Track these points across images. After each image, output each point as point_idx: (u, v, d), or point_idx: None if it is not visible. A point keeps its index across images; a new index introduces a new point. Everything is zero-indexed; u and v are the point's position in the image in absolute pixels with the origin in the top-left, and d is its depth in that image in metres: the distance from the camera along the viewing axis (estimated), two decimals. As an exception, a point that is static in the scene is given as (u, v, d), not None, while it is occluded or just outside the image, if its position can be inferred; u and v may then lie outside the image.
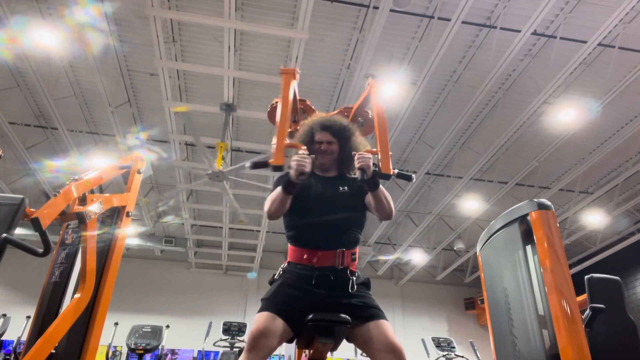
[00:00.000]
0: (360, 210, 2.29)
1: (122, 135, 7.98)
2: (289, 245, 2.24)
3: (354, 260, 2.16)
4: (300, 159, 2.01)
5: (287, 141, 2.20)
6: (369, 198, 2.21)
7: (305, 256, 2.13)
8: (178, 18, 6.09)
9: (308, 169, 2.01)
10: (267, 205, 2.17)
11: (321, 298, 2.04)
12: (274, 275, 2.21)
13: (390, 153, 2.21)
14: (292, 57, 6.30)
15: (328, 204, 2.22)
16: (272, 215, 2.16)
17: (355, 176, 2.35)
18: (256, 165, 2.16)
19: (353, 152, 2.11)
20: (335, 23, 6.39)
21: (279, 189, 2.12)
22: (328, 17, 6.28)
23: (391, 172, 2.13)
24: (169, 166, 8.78)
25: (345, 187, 2.31)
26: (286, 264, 2.21)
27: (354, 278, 2.10)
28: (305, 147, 2.15)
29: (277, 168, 2.07)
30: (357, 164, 2.07)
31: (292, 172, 2.01)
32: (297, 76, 2.67)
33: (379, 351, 1.95)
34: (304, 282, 2.08)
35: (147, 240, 12.16)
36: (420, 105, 7.66)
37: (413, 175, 2.25)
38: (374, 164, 2.08)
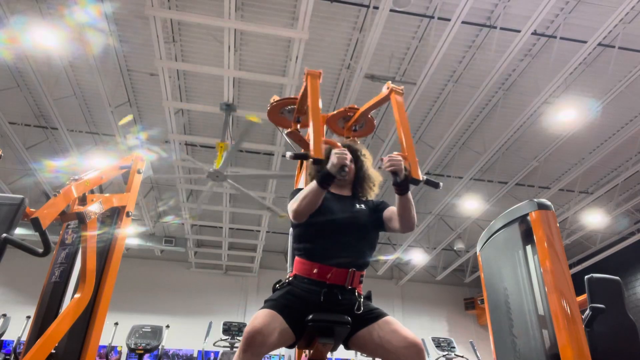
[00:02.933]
0: (375, 230, 2.30)
1: (122, 135, 7.98)
2: (297, 258, 2.19)
3: (361, 282, 2.15)
4: (342, 153, 1.99)
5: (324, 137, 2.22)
6: (388, 211, 2.24)
7: (315, 270, 2.08)
8: (178, 18, 6.09)
9: (349, 163, 1.99)
10: (294, 204, 2.12)
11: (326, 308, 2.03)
12: (277, 284, 2.17)
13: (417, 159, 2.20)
14: (292, 57, 6.30)
15: (344, 221, 2.21)
16: (300, 213, 2.10)
17: (372, 199, 2.41)
18: (297, 156, 2.17)
19: (381, 158, 2.09)
20: (335, 23, 6.39)
21: (313, 184, 2.06)
22: (328, 17, 6.28)
23: (420, 177, 2.11)
24: (169, 166, 8.79)
25: (362, 206, 2.33)
26: (292, 277, 2.15)
27: (361, 300, 2.08)
28: (342, 147, 2.13)
29: (317, 161, 2.06)
30: (387, 167, 2.02)
31: (333, 167, 1.98)
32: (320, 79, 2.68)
33: (397, 347, 1.90)
34: (310, 296, 2.04)
35: (147, 240, 12.16)
36: (420, 105, 7.66)
37: (440, 184, 2.23)
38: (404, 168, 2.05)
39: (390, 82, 2.66)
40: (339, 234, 2.18)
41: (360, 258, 2.17)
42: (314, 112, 2.35)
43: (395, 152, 2.10)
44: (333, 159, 1.99)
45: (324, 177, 2.02)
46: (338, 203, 2.29)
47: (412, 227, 2.17)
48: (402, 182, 2.02)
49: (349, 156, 2.00)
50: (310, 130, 2.22)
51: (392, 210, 2.29)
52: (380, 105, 2.81)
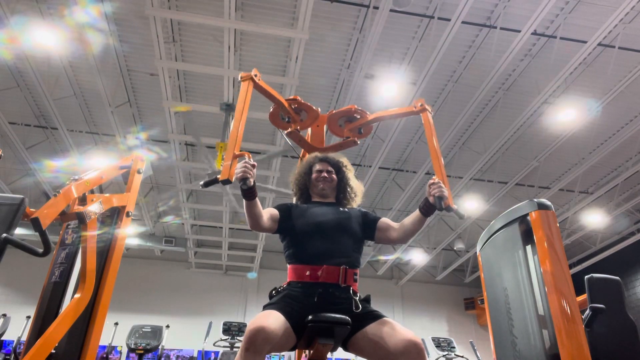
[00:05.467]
0: (360, 235, 2.35)
1: (122, 135, 7.98)
2: (289, 266, 2.23)
3: (355, 280, 2.16)
4: (243, 166, 1.99)
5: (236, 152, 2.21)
6: (383, 222, 2.36)
7: (308, 272, 2.11)
8: (178, 18, 6.09)
9: (249, 175, 1.98)
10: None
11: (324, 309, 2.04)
12: (273, 291, 2.19)
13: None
14: (292, 57, 6.30)
15: (330, 224, 2.27)
16: (251, 226, 2.18)
17: (354, 207, 2.48)
18: (207, 184, 2.20)
19: (429, 182, 2.22)
20: (335, 23, 6.39)
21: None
22: (328, 17, 6.28)
23: (454, 206, 2.27)
24: (169, 166, 8.78)
25: (346, 209, 2.41)
26: (286, 285, 2.18)
27: (356, 298, 2.09)
28: (250, 154, 2.13)
29: (226, 182, 2.09)
30: (434, 192, 2.17)
31: (238, 180, 2.00)
32: (258, 79, 2.68)
33: (396, 347, 1.89)
34: (306, 298, 2.05)
35: (147, 240, 12.16)
36: (420, 105, 7.64)
37: (465, 215, 2.43)
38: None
39: (423, 100, 2.79)
40: (325, 234, 2.22)
41: (349, 256, 2.21)
42: (233, 129, 2.36)
43: (435, 178, 2.26)
44: (235, 172, 2.02)
45: (241, 191, 2.05)
46: (321, 208, 2.37)
47: (407, 241, 2.38)
48: (433, 207, 2.18)
49: (248, 168, 1.99)
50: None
51: (387, 222, 2.40)
52: (399, 118, 2.89)
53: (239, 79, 2.65)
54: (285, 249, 2.32)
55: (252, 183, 2.00)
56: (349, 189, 2.50)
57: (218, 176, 2.12)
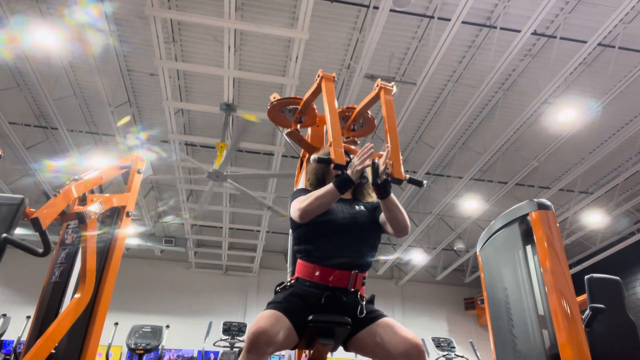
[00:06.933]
0: (376, 232, 2.29)
1: (122, 135, 7.98)
2: (300, 261, 2.19)
3: (364, 284, 2.14)
4: (362, 161, 2.01)
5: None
6: (383, 215, 2.19)
7: (317, 273, 2.08)
8: (178, 18, 6.09)
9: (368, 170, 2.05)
10: (304, 203, 2.10)
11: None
12: (279, 286, 2.17)
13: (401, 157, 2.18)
14: (292, 57, 6.30)
15: (345, 222, 2.21)
16: (309, 212, 2.08)
17: (372, 200, 2.39)
18: (321, 161, 2.19)
19: (352, 156, 2.14)
20: (335, 23, 6.39)
21: (329, 187, 2.06)
22: (328, 17, 6.28)
23: (403, 177, 2.06)
24: (169, 166, 8.79)
25: (362, 207, 2.33)
26: (294, 280, 2.15)
27: (363, 303, 2.07)
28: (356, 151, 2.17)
29: (339, 167, 2.10)
30: (358, 168, 2.02)
31: (355, 173, 2.01)
32: (334, 81, 2.75)
33: (397, 348, 1.89)
34: (312, 298, 2.04)
35: (147, 240, 12.16)
36: (420, 105, 7.65)
37: (424, 182, 2.21)
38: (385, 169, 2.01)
39: (379, 79, 2.66)
40: (339, 234, 2.17)
41: (362, 259, 2.16)
42: (332, 117, 2.36)
43: (375, 154, 2.08)
44: (356, 163, 2.01)
45: (343, 182, 2.02)
46: (338, 205, 2.29)
47: (404, 230, 2.12)
48: (379, 185, 1.99)
49: (368, 162, 2.00)
50: (330, 135, 2.23)
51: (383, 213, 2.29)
52: (374, 104, 2.80)
53: (318, 75, 2.68)
54: (296, 243, 2.28)
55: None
56: (366, 186, 2.41)
57: (333, 157, 2.12)
